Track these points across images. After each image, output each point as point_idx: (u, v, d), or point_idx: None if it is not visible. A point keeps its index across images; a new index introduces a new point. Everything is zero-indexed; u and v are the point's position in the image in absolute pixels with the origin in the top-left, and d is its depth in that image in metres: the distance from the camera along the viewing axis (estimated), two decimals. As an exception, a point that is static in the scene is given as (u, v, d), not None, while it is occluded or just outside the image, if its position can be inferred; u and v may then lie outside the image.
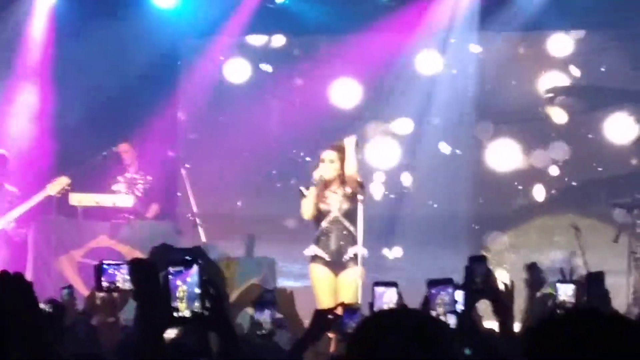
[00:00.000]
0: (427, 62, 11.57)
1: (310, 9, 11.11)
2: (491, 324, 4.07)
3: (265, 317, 4.51)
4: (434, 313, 3.34)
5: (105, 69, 10.79)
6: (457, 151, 11.53)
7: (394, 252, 11.55)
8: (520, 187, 11.47)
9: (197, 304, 2.70)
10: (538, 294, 5.87)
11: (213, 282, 2.83)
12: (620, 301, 8.90)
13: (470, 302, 3.64)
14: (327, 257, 8.01)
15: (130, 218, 10.31)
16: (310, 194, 8.01)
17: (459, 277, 3.72)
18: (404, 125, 11.67)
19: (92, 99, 10.81)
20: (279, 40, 12.01)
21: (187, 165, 10.51)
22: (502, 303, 3.75)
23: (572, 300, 4.53)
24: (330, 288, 7.92)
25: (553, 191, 11.42)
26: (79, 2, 11.05)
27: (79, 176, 9.86)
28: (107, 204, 10.17)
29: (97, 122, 10.73)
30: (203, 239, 9.81)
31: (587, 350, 1.61)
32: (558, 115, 11.46)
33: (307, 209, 8.07)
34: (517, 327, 3.85)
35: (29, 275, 9.46)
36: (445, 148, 11.60)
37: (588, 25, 11.16)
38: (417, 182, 11.64)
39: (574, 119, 11.42)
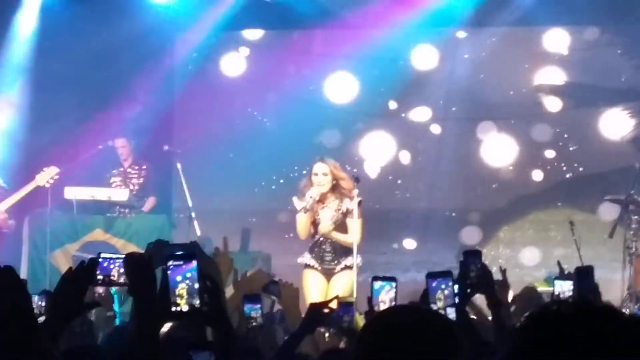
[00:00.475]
0: (423, 56, 11.56)
1: (306, 1, 11.08)
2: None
3: (256, 310, 4.49)
4: (434, 306, 3.33)
5: (99, 64, 10.77)
6: (452, 146, 11.51)
7: (390, 249, 11.53)
8: (514, 182, 11.47)
9: (196, 299, 2.70)
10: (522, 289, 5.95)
11: (210, 277, 2.84)
12: (615, 296, 8.93)
13: (465, 296, 3.66)
14: (320, 268, 8.09)
15: (125, 212, 10.31)
16: (305, 217, 7.97)
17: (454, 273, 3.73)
18: (401, 120, 11.66)
19: (85, 94, 10.79)
20: (274, 34, 12.00)
21: (182, 159, 10.52)
22: (497, 296, 3.78)
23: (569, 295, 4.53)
24: (322, 292, 7.97)
25: (548, 186, 11.43)
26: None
27: (74, 169, 9.85)
28: (102, 198, 10.16)
29: (90, 117, 10.71)
30: (198, 233, 9.82)
31: (579, 342, 1.61)
32: (552, 111, 11.46)
33: (302, 230, 8.11)
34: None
35: (23, 269, 9.47)
36: (439, 143, 11.59)
37: (583, 21, 11.17)
38: (411, 177, 11.64)
39: (569, 115, 11.42)
